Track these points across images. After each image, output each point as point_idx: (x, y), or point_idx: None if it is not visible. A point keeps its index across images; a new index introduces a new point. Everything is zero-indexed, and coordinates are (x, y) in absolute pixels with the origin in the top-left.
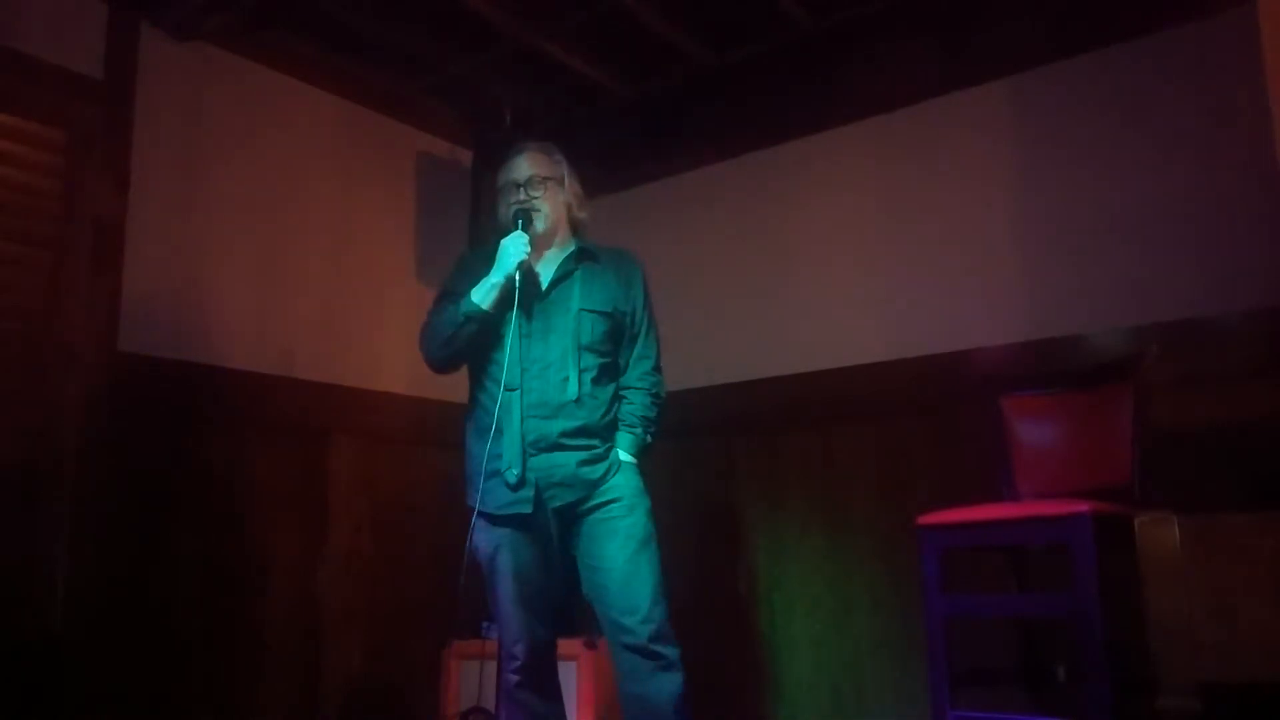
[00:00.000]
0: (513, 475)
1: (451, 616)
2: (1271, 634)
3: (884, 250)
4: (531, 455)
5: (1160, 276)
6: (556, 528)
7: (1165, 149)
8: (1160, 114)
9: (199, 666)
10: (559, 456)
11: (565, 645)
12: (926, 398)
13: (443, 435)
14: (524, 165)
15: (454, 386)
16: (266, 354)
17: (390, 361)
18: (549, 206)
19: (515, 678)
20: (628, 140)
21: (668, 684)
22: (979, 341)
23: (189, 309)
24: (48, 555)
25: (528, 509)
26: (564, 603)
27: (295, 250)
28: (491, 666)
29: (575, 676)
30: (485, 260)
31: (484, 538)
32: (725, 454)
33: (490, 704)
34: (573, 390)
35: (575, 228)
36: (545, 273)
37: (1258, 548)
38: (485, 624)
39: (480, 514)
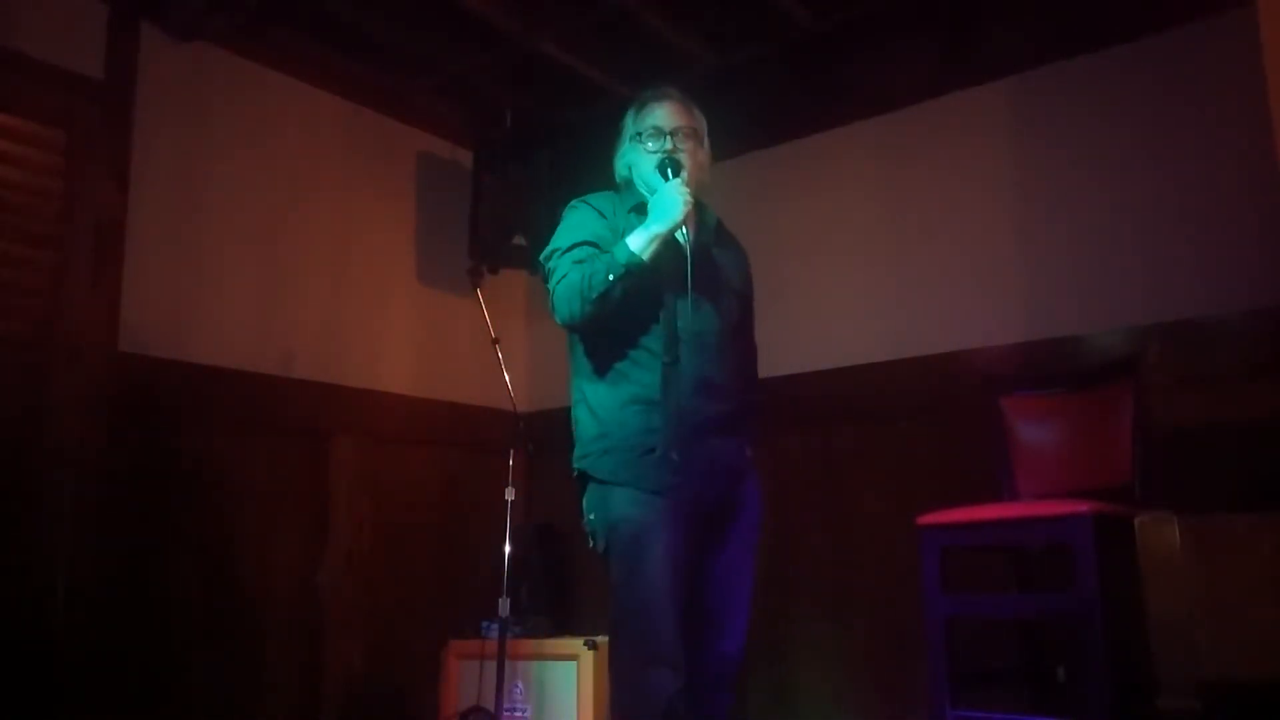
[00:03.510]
0: (676, 457)
1: (453, 616)
2: (1271, 634)
3: (884, 250)
4: (693, 437)
5: (1160, 277)
6: (698, 517)
7: (1165, 149)
8: (1160, 114)
9: (199, 666)
10: (718, 441)
11: (565, 645)
12: (927, 398)
13: (443, 435)
14: (669, 113)
15: (454, 386)
16: (267, 354)
17: (391, 361)
18: (691, 164)
19: (675, 684)
20: None
21: (732, 699)
22: (979, 342)
23: (189, 309)
24: (48, 555)
25: (689, 491)
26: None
27: (296, 250)
28: (491, 667)
29: (575, 676)
30: (615, 209)
31: (634, 510)
32: None
33: (490, 703)
34: (729, 369)
35: (702, 196)
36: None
37: (1258, 548)
38: (485, 623)
39: (628, 485)
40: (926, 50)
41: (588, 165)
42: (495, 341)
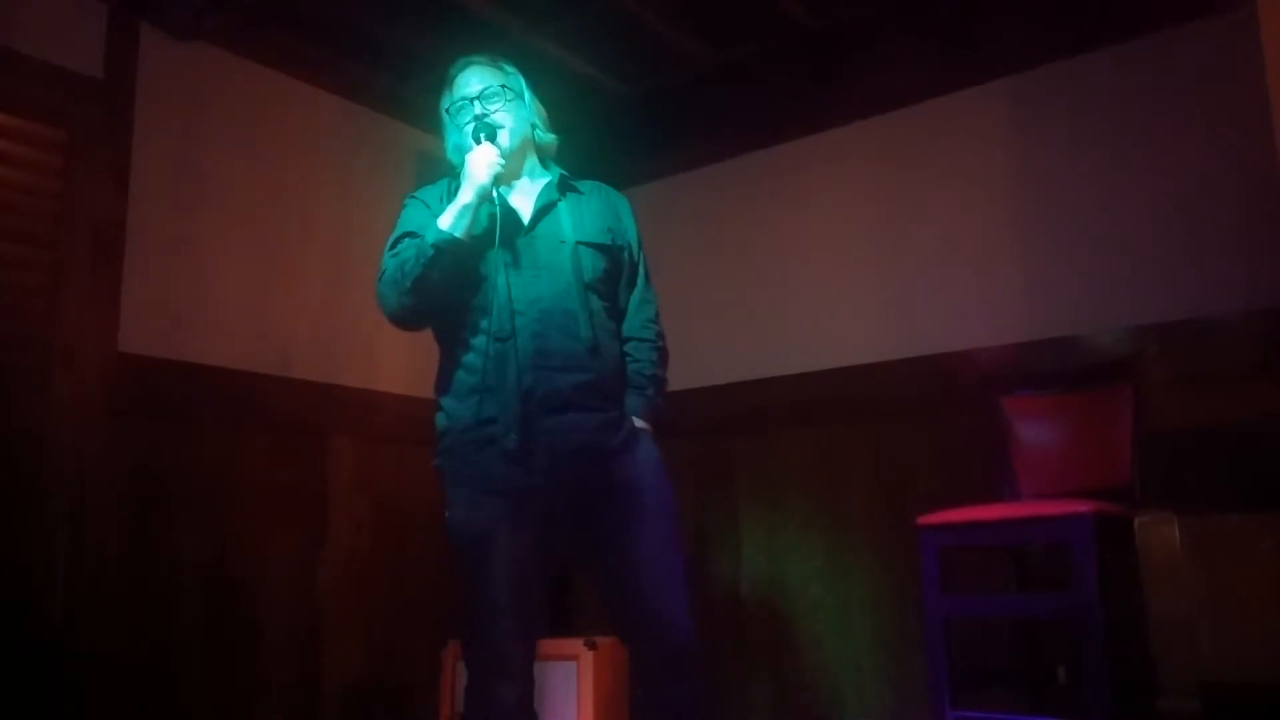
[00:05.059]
0: (511, 441)
1: (451, 616)
2: (1271, 634)
3: (884, 250)
4: (538, 417)
5: (1159, 276)
6: (565, 508)
7: (1165, 149)
8: (1159, 114)
9: (199, 666)
10: (574, 418)
11: (565, 645)
12: (926, 398)
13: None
14: (475, 78)
15: None
16: (265, 354)
17: (389, 361)
18: (512, 122)
19: (513, 695)
20: (625, 140)
21: (696, 687)
22: (979, 342)
23: (189, 309)
24: (48, 555)
25: (538, 482)
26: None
27: (294, 250)
28: None
29: (575, 676)
30: (443, 197)
31: (471, 514)
32: (724, 454)
33: None
34: (585, 334)
35: (543, 154)
36: (523, 204)
37: (1258, 548)
38: None
39: (465, 485)
40: (926, 49)
41: (585, 162)
42: None
